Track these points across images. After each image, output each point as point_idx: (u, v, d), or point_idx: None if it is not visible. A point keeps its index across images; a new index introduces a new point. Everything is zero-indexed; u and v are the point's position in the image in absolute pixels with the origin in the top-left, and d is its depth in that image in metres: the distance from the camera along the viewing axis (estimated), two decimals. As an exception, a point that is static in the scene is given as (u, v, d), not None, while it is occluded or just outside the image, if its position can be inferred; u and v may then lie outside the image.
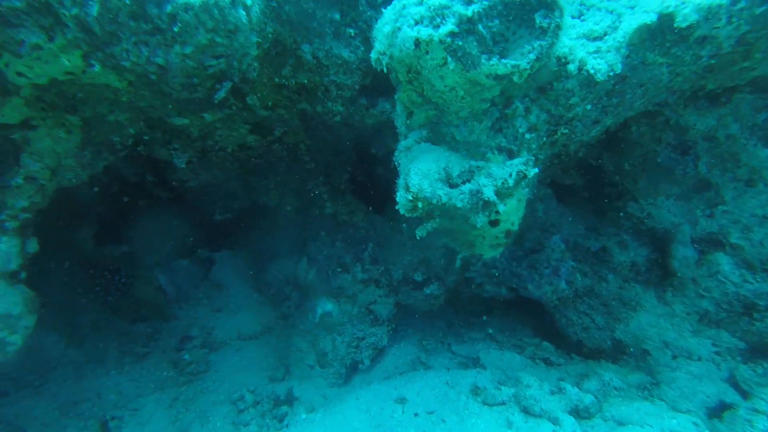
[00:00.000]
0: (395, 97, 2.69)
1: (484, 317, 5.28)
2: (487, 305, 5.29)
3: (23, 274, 2.88)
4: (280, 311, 5.17)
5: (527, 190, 2.44)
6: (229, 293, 5.57)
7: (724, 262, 3.67)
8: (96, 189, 3.95)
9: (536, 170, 2.18)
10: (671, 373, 3.52)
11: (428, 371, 3.97)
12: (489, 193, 2.21)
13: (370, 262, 4.57)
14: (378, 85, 3.30)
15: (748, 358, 3.55)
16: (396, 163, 2.84)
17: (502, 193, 2.22)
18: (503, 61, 2.02)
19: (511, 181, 2.16)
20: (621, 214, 4.29)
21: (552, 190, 4.57)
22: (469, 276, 4.68)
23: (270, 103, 3.21)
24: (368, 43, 3.07)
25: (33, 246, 2.99)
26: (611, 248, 4.26)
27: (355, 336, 4.42)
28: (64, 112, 2.85)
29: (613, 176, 4.34)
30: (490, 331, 5.03)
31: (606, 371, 3.41)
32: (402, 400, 3.27)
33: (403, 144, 2.76)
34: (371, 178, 4.81)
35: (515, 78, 2.08)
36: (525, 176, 2.16)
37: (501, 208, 2.25)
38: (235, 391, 4.36)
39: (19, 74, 2.39)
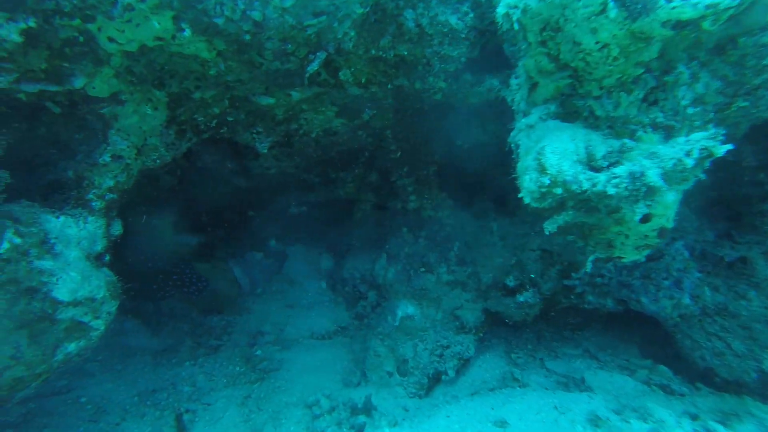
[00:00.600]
0: (519, 64, 2.26)
1: (579, 331, 4.68)
2: (583, 317, 4.68)
3: (107, 257, 2.74)
4: (355, 311, 4.86)
5: (696, 177, 1.92)
6: (302, 289, 5.36)
7: None
8: (178, 172, 3.83)
9: (728, 147, 1.66)
10: None
11: (526, 390, 3.48)
12: (654, 177, 1.72)
13: (457, 263, 4.14)
14: (486, 58, 2.88)
15: None
16: (513, 146, 2.41)
17: (673, 177, 1.72)
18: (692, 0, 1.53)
19: (689, 162, 1.65)
20: (766, 220, 3.57)
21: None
22: (568, 284, 4.12)
23: (364, 80, 2.89)
24: (480, 8, 2.66)
25: (117, 228, 2.86)
26: (754, 260, 3.54)
27: (438, 344, 4.01)
28: (151, 86, 2.68)
29: (756, 174, 3.63)
30: (589, 347, 4.43)
31: (762, 412, 2.75)
32: (502, 424, 2.81)
33: (524, 122, 2.31)
34: (459, 171, 4.38)
35: (706, 24, 1.58)
36: (711, 155, 1.65)
37: (668, 197, 1.75)
38: (309, 393, 4.09)
39: (111, 39, 2.22)
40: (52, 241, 2.36)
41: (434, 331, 4.05)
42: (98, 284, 2.53)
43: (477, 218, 4.35)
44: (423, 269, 4.14)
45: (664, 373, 3.80)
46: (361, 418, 3.63)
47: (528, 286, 4.08)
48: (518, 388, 3.59)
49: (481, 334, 4.14)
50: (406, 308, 4.10)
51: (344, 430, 3.53)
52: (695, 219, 3.95)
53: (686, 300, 3.77)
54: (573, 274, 4.06)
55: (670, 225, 2.11)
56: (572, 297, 4.17)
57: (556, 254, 4.10)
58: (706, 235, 3.90)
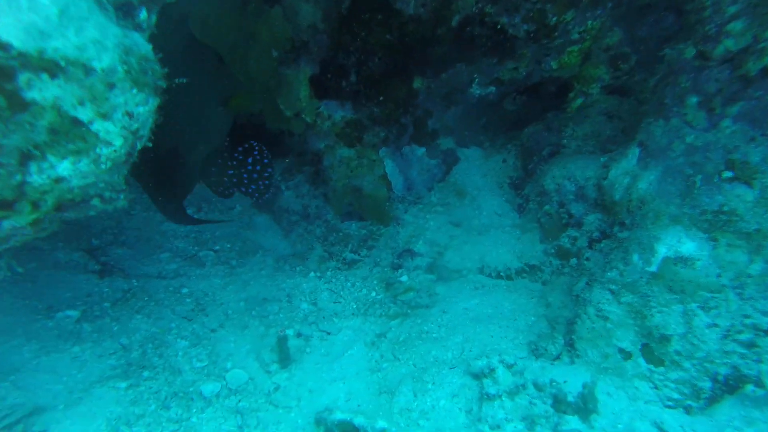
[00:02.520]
0: None
1: None
2: None
3: (144, 15, 1.43)
4: (558, 243, 3.06)
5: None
6: (475, 205, 3.73)
7: None
8: None
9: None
10: None
11: None
12: None
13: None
14: None
15: None
16: None
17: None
18: None
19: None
20: None
21: None
22: None
23: None
24: None
25: None
26: None
27: (746, 321, 2.02)
28: None
29: None
30: None
31: None
32: None
33: None
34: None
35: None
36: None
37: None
38: (475, 353, 2.54)
39: None
40: None
41: (739, 295, 2.06)
42: (98, 39, 1.22)
43: None
44: (729, 173, 2.12)
45: None
46: (573, 422, 1.93)
47: None
48: None
49: None
50: (679, 242, 2.16)
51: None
52: None
53: None
54: None
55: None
56: None
57: None
58: None
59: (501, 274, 3.22)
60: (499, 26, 3.17)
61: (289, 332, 2.84)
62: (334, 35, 3.18)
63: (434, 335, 2.78)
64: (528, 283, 3.15)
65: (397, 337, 2.80)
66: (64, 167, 1.30)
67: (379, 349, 2.74)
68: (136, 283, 3.22)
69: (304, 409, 2.33)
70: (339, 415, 2.00)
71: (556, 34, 3.12)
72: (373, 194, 3.66)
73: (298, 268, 3.57)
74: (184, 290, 3.20)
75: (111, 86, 1.28)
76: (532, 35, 3.17)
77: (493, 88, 3.67)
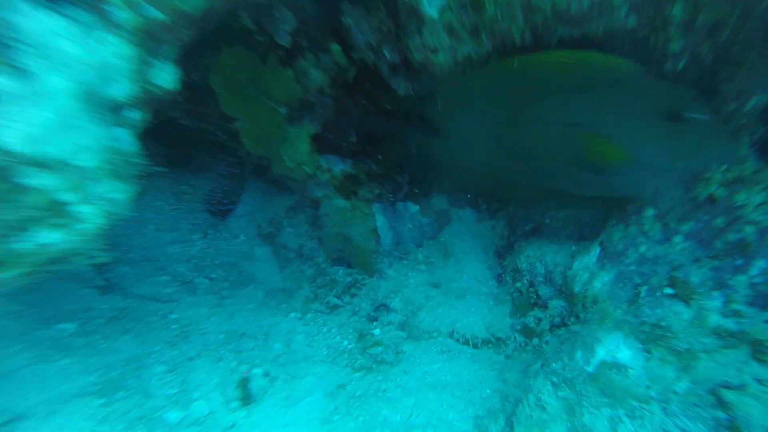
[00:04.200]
0: None
1: None
2: None
3: (135, 115, 1.72)
4: (522, 322, 3.17)
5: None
6: (458, 268, 3.88)
7: None
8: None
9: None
10: None
11: None
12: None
13: (752, 298, 2.09)
14: None
15: None
16: None
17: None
18: None
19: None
20: None
21: None
22: None
23: None
24: None
25: (167, 76, 1.82)
26: None
27: (666, 435, 2.09)
28: None
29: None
30: None
31: None
32: None
33: None
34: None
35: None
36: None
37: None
38: (419, 418, 2.68)
39: None
40: (21, 47, 1.37)
41: (663, 409, 2.14)
42: (86, 144, 1.50)
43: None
44: (670, 290, 2.22)
45: None
46: None
47: None
48: None
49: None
50: (617, 348, 2.27)
51: None
52: None
53: None
54: None
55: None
56: None
57: None
58: None
59: (468, 341, 3.35)
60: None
61: (258, 371, 3.05)
62: (338, 99, 3.45)
63: (389, 395, 2.93)
64: (492, 354, 3.26)
65: (354, 392, 2.97)
66: (51, 237, 1.58)
67: (335, 401, 2.91)
68: (131, 303, 3.53)
69: (251, 450, 2.53)
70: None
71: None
72: (362, 245, 3.87)
73: (282, 306, 3.79)
74: (173, 316, 3.47)
75: (96, 180, 1.55)
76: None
77: (488, 157, 3.85)
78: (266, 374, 3.08)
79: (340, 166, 3.76)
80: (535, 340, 3.05)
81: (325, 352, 3.36)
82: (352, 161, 3.74)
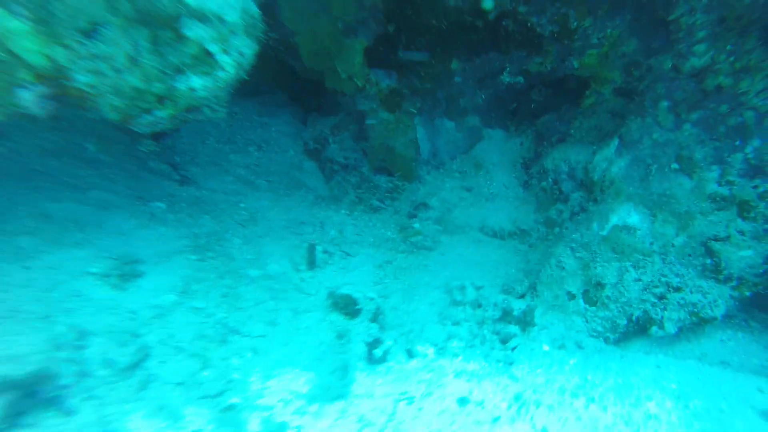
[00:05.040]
0: None
1: None
2: None
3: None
4: (546, 215, 3.66)
5: None
6: (488, 177, 4.35)
7: None
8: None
9: None
10: None
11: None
12: None
13: (746, 170, 2.53)
14: None
15: None
16: None
17: None
18: None
19: None
20: None
21: None
22: None
23: None
24: None
25: None
26: None
27: (663, 280, 2.60)
28: None
29: None
30: None
31: None
32: None
33: None
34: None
35: None
36: None
37: None
38: (455, 282, 3.23)
39: None
40: None
41: (663, 259, 2.63)
42: (231, 2, 1.96)
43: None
44: (676, 165, 2.67)
45: None
46: (513, 329, 2.60)
47: None
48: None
49: (748, 294, 2.53)
50: (627, 215, 2.74)
51: (485, 331, 2.57)
52: None
53: None
54: None
55: None
56: None
57: None
58: None
59: (496, 233, 3.86)
60: (529, 24, 3.72)
61: (318, 248, 3.61)
62: (389, 15, 3.83)
63: (430, 269, 3.48)
64: (517, 244, 3.78)
65: (399, 265, 3.52)
66: (196, 81, 2.08)
67: (384, 271, 3.47)
68: (206, 194, 4.08)
69: (320, 295, 3.11)
70: (343, 290, 2.76)
71: (576, 37, 3.65)
72: (403, 154, 4.35)
73: (332, 207, 4.33)
74: (242, 205, 4.03)
75: (233, 33, 2.03)
76: (555, 35, 3.71)
77: (521, 78, 4.24)
78: (325, 251, 3.65)
79: (386, 81, 4.18)
80: (557, 230, 3.54)
81: (372, 240, 3.91)
82: (398, 76, 4.16)
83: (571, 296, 2.85)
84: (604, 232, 2.81)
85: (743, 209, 2.46)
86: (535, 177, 3.94)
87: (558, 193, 3.62)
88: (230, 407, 2.15)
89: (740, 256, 2.43)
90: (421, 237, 3.86)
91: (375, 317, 2.66)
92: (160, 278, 2.96)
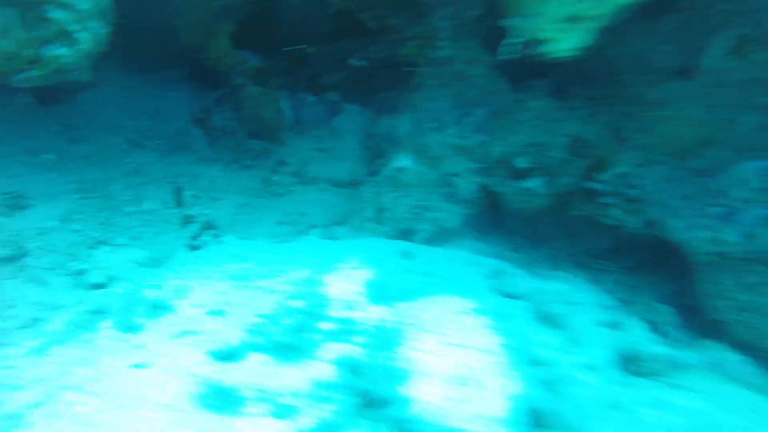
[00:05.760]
0: None
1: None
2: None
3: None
4: (371, 168, 4.76)
5: None
6: (341, 141, 5.38)
7: None
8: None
9: None
10: None
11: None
12: None
13: (473, 129, 3.72)
14: None
15: None
16: None
17: None
18: None
19: None
20: None
21: None
22: (591, 186, 3.44)
23: None
24: None
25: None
26: None
27: (421, 203, 3.75)
28: None
29: None
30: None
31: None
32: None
33: None
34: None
35: None
36: None
37: None
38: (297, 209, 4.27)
39: None
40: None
41: (422, 189, 3.79)
42: (84, -6, 2.80)
43: (516, 90, 3.79)
44: (434, 125, 3.82)
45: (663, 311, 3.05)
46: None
47: (539, 173, 3.51)
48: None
49: (474, 211, 3.74)
50: (402, 160, 3.87)
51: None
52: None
53: (732, 237, 2.89)
54: (596, 176, 3.36)
55: None
56: (592, 205, 3.49)
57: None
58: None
59: (337, 183, 4.91)
60: (360, 20, 4.76)
61: (188, 192, 4.49)
62: (253, 4, 4.73)
63: (276, 208, 4.48)
64: (352, 191, 4.85)
65: (255, 205, 4.49)
66: (61, 50, 2.91)
67: (242, 210, 4.42)
68: (95, 150, 4.80)
69: (178, 219, 4.01)
70: (198, 217, 3.72)
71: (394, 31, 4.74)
72: (270, 122, 5.28)
73: (210, 165, 5.19)
74: (127, 160, 4.80)
75: (90, 16, 2.88)
76: (381, 29, 4.78)
77: (365, 62, 5.30)
78: (194, 195, 4.53)
79: (254, 60, 5.09)
80: (376, 177, 4.64)
81: (239, 189, 4.83)
82: (263, 56, 5.07)
83: (368, 219, 3.95)
84: (388, 173, 3.92)
85: (468, 153, 3.65)
86: (370, 139, 5.03)
87: (380, 150, 4.72)
88: (81, 272, 3.06)
89: (467, 186, 3.62)
90: (277, 187, 4.83)
91: (208, 225, 3.63)
92: (45, 210, 3.73)
